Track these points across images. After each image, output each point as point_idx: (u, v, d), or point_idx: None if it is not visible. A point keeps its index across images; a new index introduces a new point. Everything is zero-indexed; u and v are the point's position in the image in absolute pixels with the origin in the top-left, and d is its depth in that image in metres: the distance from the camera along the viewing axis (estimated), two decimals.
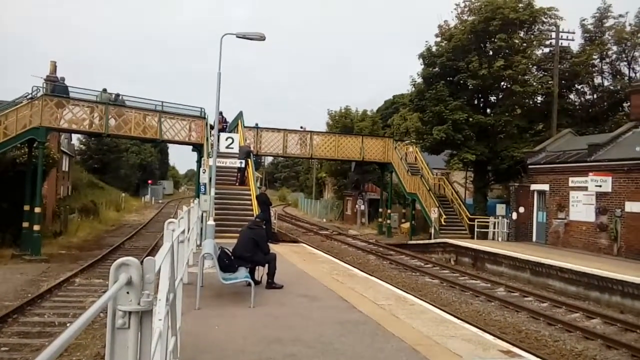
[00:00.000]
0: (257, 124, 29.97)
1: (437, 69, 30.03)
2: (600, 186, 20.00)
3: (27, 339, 9.92)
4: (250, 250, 9.58)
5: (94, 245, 24.83)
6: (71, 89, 22.70)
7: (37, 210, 20.51)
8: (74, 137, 47.13)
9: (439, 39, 30.77)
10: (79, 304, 12.33)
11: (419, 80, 31.10)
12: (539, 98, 30.84)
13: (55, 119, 21.54)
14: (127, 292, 2.28)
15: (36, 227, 20.23)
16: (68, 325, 1.48)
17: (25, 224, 20.56)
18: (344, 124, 45.75)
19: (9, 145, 20.34)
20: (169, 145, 59.37)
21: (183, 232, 7.65)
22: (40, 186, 21.29)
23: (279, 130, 29.85)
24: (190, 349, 5.88)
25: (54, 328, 10.50)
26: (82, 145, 58.39)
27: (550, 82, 28.24)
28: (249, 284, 8.73)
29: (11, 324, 10.76)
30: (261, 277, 10.16)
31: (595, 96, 31.99)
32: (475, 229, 25.96)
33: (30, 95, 21.28)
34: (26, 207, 20.74)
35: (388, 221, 33.98)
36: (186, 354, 5.62)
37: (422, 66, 30.86)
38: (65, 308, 12.17)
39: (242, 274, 9.04)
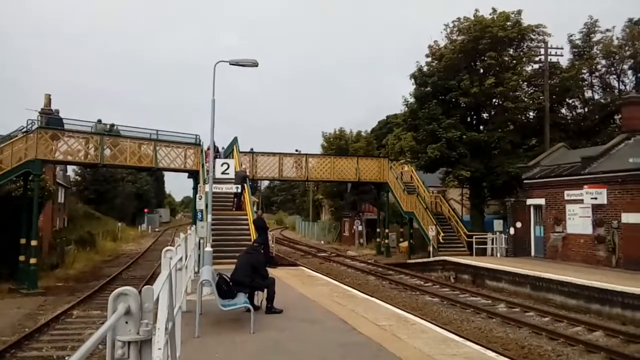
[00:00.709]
0: (252, 149, 30.08)
1: (429, 88, 30.37)
2: (595, 198, 20.09)
3: None
4: (248, 276, 9.55)
5: (91, 276, 24.65)
6: (66, 120, 22.83)
7: (34, 243, 20.41)
8: (70, 168, 47.16)
9: (429, 59, 31.23)
10: (77, 337, 12.20)
11: (412, 99, 31.44)
12: (531, 113, 31.18)
13: (50, 152, 21.58)
14: (126, 322, 2.29)
15: (32, 260, 20.10)
16: (67, 358, 1.48)
17: (22, 258, 20.43)
18: (338, 145, 45.99)
19: (4, 179, 20.33)
20: (165, 173, 59.49)
21: (181, 259, 7.64)
22: (37, 219, 21.22)
23: (274, 154, 29.94)
24: None
25: None
26: (77, 177, 58.33)
27: (541, 98, 28.56)
28: (249, 310, 8.68)
29: (9, 359, 10.63)
30: (260, 302, 10.10)
31: (586, 110, 32.35)
32: (474, 246, 25.94)
33: (25, 129, 21.36)
34: (22, 241, 20.63)
35: (386, 241, 33.91)
36: None
37: (414, 86, 31.26)
38: (63, 341, 12.03)
39: (241, 299, 9.00)
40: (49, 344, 11.91)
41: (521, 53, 30.10)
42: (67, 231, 37.19)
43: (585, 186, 20.42)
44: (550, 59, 29.60)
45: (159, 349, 3.56)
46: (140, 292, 2.37)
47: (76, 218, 45.18)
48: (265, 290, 9.94)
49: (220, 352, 7.17)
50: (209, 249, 13.87)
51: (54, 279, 22.66)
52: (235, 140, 28.63)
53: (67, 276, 23.96)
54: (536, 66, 30.82)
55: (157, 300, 3.31)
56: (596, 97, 32.02)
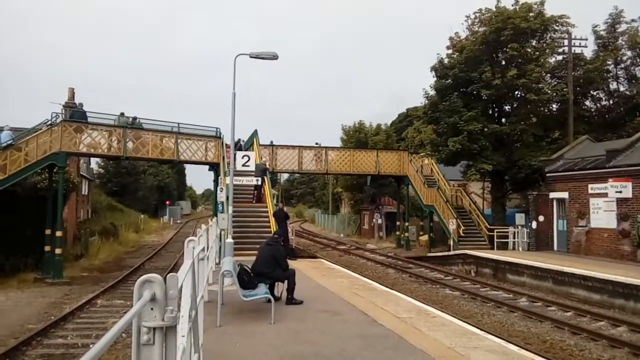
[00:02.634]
0: (272, 142, 30.19)
1: (449, 80, 30.04)
2: (620, 192, 19.72)
3: None
4: (269, 267, 9.62)
5: (114, 266, 25.05)
6: (89, 113, 23.14)
7: (59, 234, 20.81)
8: (93, 161, 47.90)
9: (450, 51, 30.88)
10: (101, 325, 12.44)
11: (432, 92, 31.14)
12: (554, 106, 30.68)
13: (74, 144, 21.93)
14: (152, 309, 2.33)
15: (58, 251, 20.50)
16: (91, 346, 1.51)
17: (47, 248, 20.86)
18: (358, 138, 45.83)
19: (30, 171, 20.73)
20: (186, 165, 60.02)
21: (203, 249, 7.72)
22: (61, 210, 21.62)
23: (294, 147, 30.01)
24: None
25: (77, 350, 10.59)
26: (100, 169, 59.23)
27: (564, 90, 28.07)
28: (269, 300, 8.75)
29: (35, 347, 10.88)
30: (281, 293, 10.17)
31: (611, 102, 31.69)
32: (495, 240, 25.70)
33: (49, 122, 21.72)
34: (47, 232, 21.04)
35: (406, 234, 33.79)
36: None
37: (435, 78, 30.93)
38: (88, 329, 12.28)
39: (261, 290, 9.07)
40: (74, 332, 12.16)
41: (544, 44, 29.56)
42: (91, 222, 37.81)
43: (610, 179, 20.06)
44: (574, 50, 29.07)
45: (183, 336, 3.62)
46: (165, 279, 2.41)
47: (100, 210, 45.89)
48: (286, 281, 10.01)
49: (241, 342, 7.24)
50: (230, 240, 14.01)
51: (79, 269, 23.09)
52: (255, 133, 28.77)
53: (91, 266, 24.39)
54: (559, 57, 30.27)
55: (181, 288, 3.36)
56: (621, 89, 31.31)
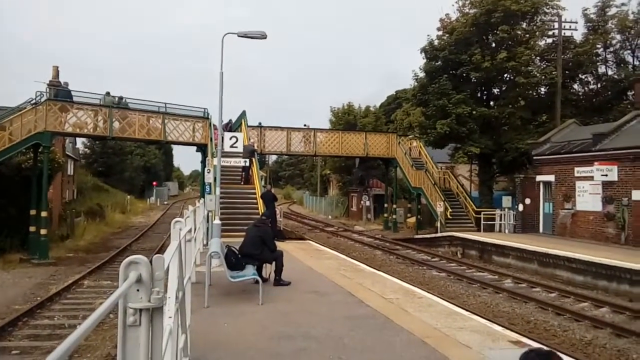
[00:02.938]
0: (260, 123, 29.99)
1: (439, 62, 29.98)
2: (606, 175, 19.93)
3: (38, 341, 9.97)
4: (257, 248, 9.61)
5: (101, 247, 24.92)
6: (74, 92, 22.78)
7: (44, 214, 20.60)
8: (79, 140, 47.34)
9: (440, 33, 30.75)
10: (88, 306, 12.40)
11: (422, 74, 31.07)
12: (543, 89, 30.80)
13: (59, 124, 21.61)
14: (137, 290, 2.29)
15: (43, 231, 20.31)
16: (77, 326, 1.49)
17: (32, 228, 20.64)
18: (347, 120, 45.71)
19: (14, 151, 20.42)
20: (173, 146, 59.52)
21: (190, 231, 7.68)
22: (46, 190, 21.37)
23: (282, 128, 29.85)
24: (201, 347, 5.91)
25: (64, 330, 10.55)
26: (86, 149, 58.60)
27: (553, 73, 28.15)
28: (257, 282, 8.75)
29: (21, 327, 10.82)
30: (269, 275, 10.19)
31: (599, 85, 31.88)
32: (482, 222, 25.92)
33: (34, 101, 21.36)
34: (32, 212, 20.81)
35: (394, 216, 33.95)
36: (196, 352, 5.65)
37: (425, 60, 30.83)
38: (74, 310, 12.23)
39: (249, 271, 9.07)
40: (61, 312, 12.11)
41: (534, 27, 29.55)
42: (77, 203, 37.51)
43: (596, 163, 20.24)
44: (564, 33, 29.09)
45: (170, 317, 3.60)
46: (151, 261, 2.37)
47: (85, 190, 45.50)
48: (274, 262, 10.02)
49: (229, 322, 7.25)
50: (217, 221, 13.96)
51: (65, 250, 22.93)
52: (243, 114, 28.54)
53: (77, 247, 24.23)
54: (549, 40, 30.34)
55: (167, 270, 3.33)
56: (610, 72, 31.52)
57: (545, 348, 2.34)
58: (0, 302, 12.97)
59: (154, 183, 69.97)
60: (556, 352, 2.26)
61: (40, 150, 21.20)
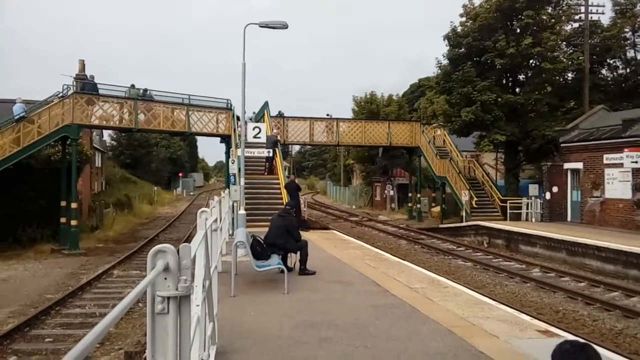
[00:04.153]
0: (281, 113, 30.02)
1: (463, 49, 29.58)
2: (636, 162, 19.45)
3: (70, 329, 10.24)
4: (282, 238, 9.65)
5: (129, 238, 25.37)
6: (100, 86, 23.13)
7: (74, 205, 21.04)
8: (105, 133, 48.13)
9: (463, 19, 30.29)
10: (118, 295, 12.66)
11: (445, 62, 30.70)
12: (570, 75, 30.17)
13: (86, 116, 21.99)
14: (165, 278, 2.33)
15: (73, 222, 20.77)
16: (108, 313, 1.51)
17: (63, 219, 21.14)
18: (369, 109, 45.41)
19: (43, 143, 20.86)
20: (198, 137, 60.09)
21: (216, 221, 7.75)
22: (75, 182, 21.81)
23: (305, 118, 29.84)
24: (228, 335, 5.98)
25: (95, 319, 10.79)
26: (113, 141, 59.59)
27: (580, 58, 27.53)
28: (282, 271, 8.80)
29: (54, 316, 11.11)
30: (294, 264, 10.24)
31: (628, 70, 31.06)
32: (508, 211, 25.59)
33: (61, 94, 21.75)
34: (63, 203, 21.29)
35: (418, 206, 33.74)
36: (224, 340, 5.72)
37: (448, 47, 30.46)
38: (105, 299, 12.50)
39: (274, 261, 9.13)
40: (91, 301, 12.40)
41: (560, 11, 28.88)
42: (105, 194, 38.23)
43: (626, 149, 19.76)
44: (591, 17, 28.39)
45: (197, 305, 3.65)
46: (178, 250, 2.40)
47: (113, 182, 46.31)
48: (298, 252, 10.05)
49: (255, 311, 7.32)
50: (242, 211, 14.06)
51: (94, 240, 23.42)
52: (266, 104, 28.61)
53: (106, 238, 24.73)
54: (576, 25, 29.61)
55: (194, 259, 3.37)
56: (639, 56, 30.63)
57: (581, 340, 2.30)
58: (34, 292, 13.34)
59: (180, 174, 70.85)
60: (591, 344, 2.21)
61: (68, 142, 21.63)
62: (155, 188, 52.51)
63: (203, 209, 6.29)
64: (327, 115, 33.09)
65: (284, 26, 15.46)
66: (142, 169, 59.84)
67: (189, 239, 21.03)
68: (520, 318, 7.39)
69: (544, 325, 7.18)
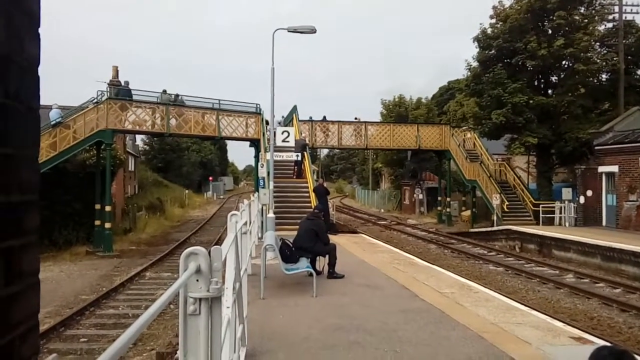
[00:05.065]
0: (311, 117, 30.14)
1: (493, 51, 29.22)
2: None
3: (104, 330, 10.48)
4: (310, 241, 9.69)
5: (161, 240, 25.81)
6: (133, 92, 23.65)
7: (108, 208, 21.54)
8: (138, 137, 49.08)
9: (493, 21, 29.93)
10: (150, 296, 12.90)
11: (475, 64, 30.36)
12: (604, 76, 29.48)
13: (119, 121, 22.50)
14: (197, 280, 2.38)
15: (107, 225, 21.25)
16: (142, 315, 1.54)
17: (97, 222, 21.65)
18: (398, 112, 45.19)
19: (78, 148, 21.44)
20: (228, 142, 60.81)
21: (245, 224, 7.84)
22: (110, 186, 22.33)
23: (333, 122, 29.88)
24: (257, 337, 6.04)
25: (128, 319, 11.02)
26: (145, 146, 60.69)
27: (615, 59, 26.91)
28: (311, 274, 8.84)
29: (89, 317, 11.39)
30: (322, 268, 10.26)
31: None
32: (540, 215, 25.09)
33: (95, 100, 22.31)
34: (97, 206, 21.81)
35: (448, 210, 33.39)
36: (253, 341, 5.78)
37: (478, 49, 30.12)
38: (137, 300, 12.75)
39: (303, 264, 9.17)
40: (125, 302, 12.66)
41: (593, 11, 28.28)
42: (138, 198, 38.95)
43: None
44: (625, 17, 27.79)
45: (228, 307, 3.71)
46: (209, 252, 2.45)
47: (146, 185, 47.15)
48: (327, 255, 10.07)
49: (284, 314, 7.37)
50: (271, 215, 14.18)
51: (127, 243, 23.90)
52: (294, 108, 28.76)
53: (139, 240, 25.21)
54: (609, 25, 28.93)
55: (225, 261, 3.43)
56: None
57: (620, 347, 2.26)
58: (69, 293, 13.69)
59: (210, 178, 71.71)
60: (629, 351, 2.17)
61: (102, 147, 22.16)
62: (187, 191, 53.27)
63: (233, 212, 6.38)
64: (355, 118, 33.04)
65: (312, 31, 15.58)
66: (173, 172, 60.79)
67: (219, 242, 21.27)
68: (553, 324, 7.26)
69: (577, 332, 7.04)
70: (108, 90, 23.81)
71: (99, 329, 10.60)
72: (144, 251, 21.94)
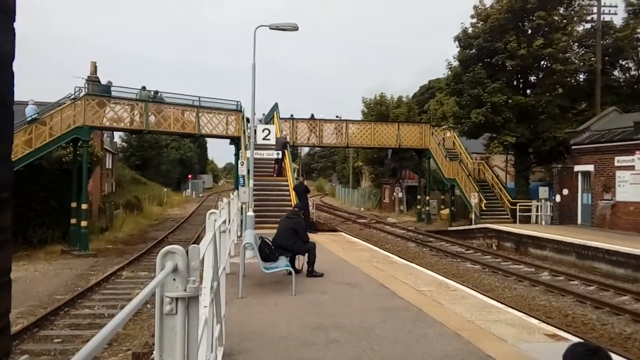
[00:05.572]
0: (292, 115, 30.07)
1: (473, 50, 29.50)
2: None
3: (79, 330, 10.33)
4: (290, 239, 9.68)
5: (138, 239, 25.53)
6: (112, 88, 23.32)
7: (84, 206, 21.22)
8: (116, 134, 48.46)
9: (474, 20, 30.20)
10: (127, 296, 12.75)
11: (455, 63, 30.63)
12: (581, 76, 29.95)
13: (97, 118, 22.17)
14: (174, 279, 2.35)
15: (83, 223, 20.94)
16: (117, 314, 1.51)
17: (73, 221, 21.31)
18: (379, 111, 45.39)
19: (54, 145, 21.07)
20: (207, 139, 60.39)
21: (224, 222, 7.78)
22: (86, 183, 22.01)
23: (314, 120, 29.88)
24: (236, 336, 6.01)
25: (103, 320, 10.88)
26: (124, 143, 59.93)
27: (592, 59, 27.35)
28: (290, 273, 8.83)
29: (63, 317, 11.21)
30: (301, 266, 10.25)
31: None
32: (518, 213, 25.44)
33: (73, 96, 21.95)
34: (73, 204, 21.47)
35: (427, 208, 33.66)
36: (231, 341, 5.75)
37: (458, 49, 30.38)
38: (114, 300, 12.59)
39: (282, 263, 9.15)
40: (100, 302, 12.50)
41: (572, 12, 28.72)
42: (116, 196, 38.47)
43: (637, 152, 19.57)
44: (603, 18, 28.16)
45: (205, 306, 3.68)
46: (187, 251, 2.43)
47: (124, 183, 46.61)
48: (306, 254, 10.07)
49: (262, 313, 7.35)
50: (251, 213, 14.12)
51: (104, 242, 23.59)
52: (275, 106, 28.67)
53: (116, 239, 24.90)
54: (588, 26, 29.41)
55: (202, 260, 3.40)
56: None
57: (594, 343, 2.31)
58: (43, 292, 13.46)
59: (189, 176, 71.17)
60: (603, 347, 2.21)
61: (79, 144, 21.82)
62: (165, 189, 52.78)
63: (212, 210, 6.33)
64: (337, 117, 33.08)
65: (295, 28, 15.53)
66: (152, 170, 60.17)
67: (197, 241, 21.11)
68: (528, 322, 7.36)
69: (552, 329, 7.15)
70: (86, 86, 23.46)
71: (73, 329, 10.44)
72: (121, 250, 21.68)
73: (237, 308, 7.45)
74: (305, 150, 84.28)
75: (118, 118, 23.27)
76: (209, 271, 3.96)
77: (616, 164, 21.26)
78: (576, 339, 6.72)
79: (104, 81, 25.12)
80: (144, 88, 24.65)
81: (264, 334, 6.33)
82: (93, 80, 25.23)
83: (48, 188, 21.71)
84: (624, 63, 30.66)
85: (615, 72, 31.19)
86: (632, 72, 31.25)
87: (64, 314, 11.38)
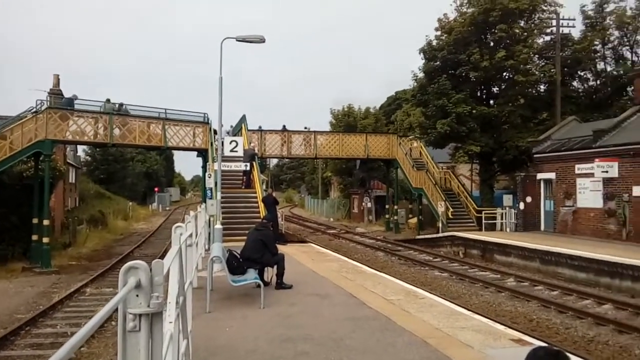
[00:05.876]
0: (260, 127, 30.03)
1: (438, 62, 30.03)
2: (606, 172, 19.92)
3: (41, 350, 9.99)
4: (258, 252, 9.62)
5: (103, 255, 24.96)
6: (76, 101, 22.86)
7: (46, 222, 20.63)
8: (80, 148, 47.43)
9: (439, 33, 30.78)
10: (90, 313, 12.41)
11: (421, 74, 31.11)
12: (542, 87, 30.83)
13: (60, 131, 21.68)
14: (137, 295, 2.32)
15: (45, 240, 20.35)
16: (78, 331, 1.48)
17: (35, 237, 20.70)
18: (347, 122, 45.71)
19: (15, 160, 20.49)
20: (174, 152, 59.59)
21: (191, 235, 7.70)
22: (48, 199, 21.41)
23: (282, 131, 29.89)
24: (203, 351, 5.93)
25: (66, 338, 10.52)
26: (87, 157, 58.70)
27: (552, 70, 28.18)
28: (259, 285, 8.77)
29: (24, 336, 10.84)
30: (270, 278, 10.20)
31: (598, 82, 31.89)
32: (483, 221, 25.91)
33: (34, 109, 21.43)
34: (35, 220, 20.87)
35: (395, 217, 33.96)
36: (199, 356, 5.68)
37: (423, 60, 30.89)
38: (77, 318, 12.25)
39: (251, 275, 9.09)
40: (63, 320, 12.14)
41: (532, 25, 29.58)
42: (79, 211, 37.56)
43: (597, 159, 20.24)
44: (562, 31, 29.11)
45: (170, 322, 3.62)
46: (150, 266, 2.40)
47: (87, 198, 45.57)
48: (275, 266, 10.03)
49: (231, 327, 7.27)
50: (218, 226, 13.98)
51: (67, 258, 22.97)
52: (243, 118, 28.59)
53: (79, 255, 24.28)
54: (547, 38, 30.37)
55: (167, 275, 3.35)
56: (609, 69, 31.53)
57: (554, 347, 2.37)
58: (3, 311, 13.00)
59: (156, 189, 70.03)
60: (564, 351, 2.28)
61: (41, 158, 21.26)
62: (130, 203, 51.82)
63: (178, 224, 6.26)
64: (305, 128, 33.16)
65: (261, 40, 15.53)
66: (117, 184, 59.01)
67: (164, 255, 20.73)
68: (494, 327, 7.49)
69: (517, 334, 7.29)
70: (48, 99, 22.94)
71: (35, 349, 10.10)
72: (85, 266, 21.14)
73: (205, 323, 7.36)
74: (274, 161, 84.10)
75: (81, 131, 22.80)
76: (174, 286, 3.91)
77: (577, 171, 21.90)
78: (541, 343, 6.86)
79: (67, 94, 24.61)
80: (108, 100, 24.27)
81: (231, 348, 6.27)
82: (55, 93, 24.69)
83: (8, 204, 21.05)
84: (582, 74, 31.73)
85: (574, 83, 32.24)
86: (590, 83, 32.36)
87: (25, 333, 11.01)
